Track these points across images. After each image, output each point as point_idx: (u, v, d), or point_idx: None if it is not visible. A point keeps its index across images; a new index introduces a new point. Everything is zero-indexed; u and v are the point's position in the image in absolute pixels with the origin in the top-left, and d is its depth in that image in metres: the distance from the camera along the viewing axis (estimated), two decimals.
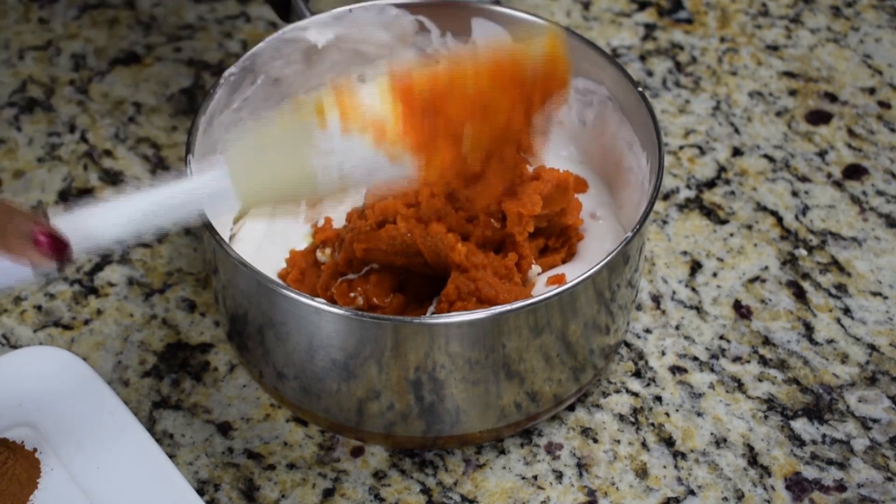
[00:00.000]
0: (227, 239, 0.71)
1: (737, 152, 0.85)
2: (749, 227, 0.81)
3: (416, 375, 0.63)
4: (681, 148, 0.85)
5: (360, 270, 0.69)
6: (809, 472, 0.69)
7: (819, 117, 0.88)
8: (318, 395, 0.66)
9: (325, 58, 0.77)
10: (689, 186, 0.83)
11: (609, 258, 0.63)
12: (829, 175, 0.84)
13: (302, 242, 0.74)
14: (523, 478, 0.69)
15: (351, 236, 0.68)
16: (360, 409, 0.66)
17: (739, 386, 0.73)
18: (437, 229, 0.66)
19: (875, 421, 0.71)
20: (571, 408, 0.72)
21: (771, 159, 0.85)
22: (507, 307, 0.62)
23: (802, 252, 0.79)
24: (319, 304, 0.62)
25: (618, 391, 0.72)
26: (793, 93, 0.89)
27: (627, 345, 0.75)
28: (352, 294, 0.68)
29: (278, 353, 0.66)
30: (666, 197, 0.82)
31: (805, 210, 0.82)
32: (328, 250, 0.72)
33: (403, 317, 0.64)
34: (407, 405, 0.65)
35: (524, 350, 0.64)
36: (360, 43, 0.78)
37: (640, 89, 0.71)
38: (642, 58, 0.92)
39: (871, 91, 0.90)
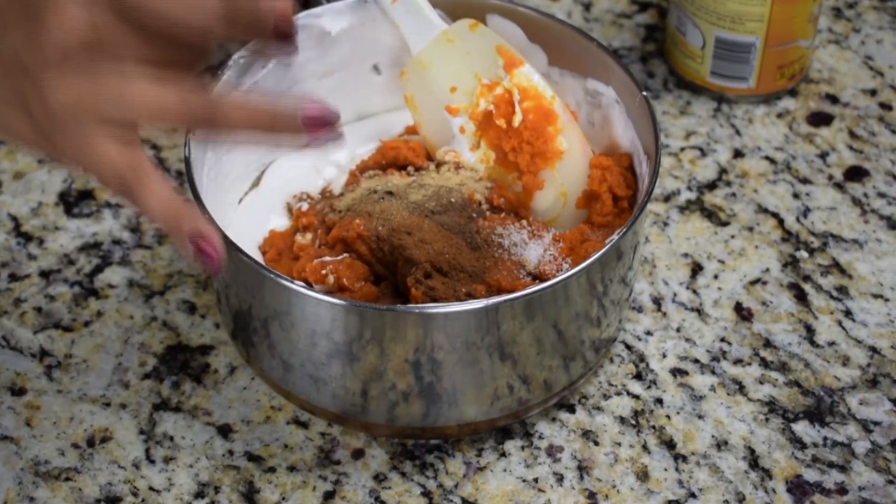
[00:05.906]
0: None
1: (738, 154, 0.85)
2: (750, 229, 0.81)
3: (415, 357, 0.64)
4: (682, 150, 0.85)
5: (338, 254, 0.70)
6: (810, 475, 0.69)
7: (820, 119, 0.88)
8: (325, 381, 0.66)
9: (337, 46, 0.78)
10: (689, 188, 0.83)
11: (601, 253, 0.64)
12: (831, 177, 0.84)
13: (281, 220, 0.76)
14: (524, 480, 0.69)
15: (339, 225, 0.70)
16: (364, 391, 0.66)
17: (740, 388, 0.73)
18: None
19: (876, 423, 0.71)
20: (572, 410, 0.72)
21: (772, 161, 0.85)
22: (503, 298, 0.63)
23: (803, 254, 0.79)
24: (321, 295, 0.63)
25: (619, 393, 0.72)
26: (794, 94, 0.89)
27: (628, 347, 0.74)
28: (323, 272, 0.69)
29: (284, 343, 0.67)
30: (667, 199, 0.82)
31: (806, 212, 0.82)
32: (309, 235, 0.73)
33: (402, 306, 0.65)
34: (407, 385, 0.65)
35: (517, 334, 0.65)
36: (374, 33, 0.78)
37: (644, 94, 0.71)
38: (643, 59, 0.91)
39: (873, 93, 0.89)
